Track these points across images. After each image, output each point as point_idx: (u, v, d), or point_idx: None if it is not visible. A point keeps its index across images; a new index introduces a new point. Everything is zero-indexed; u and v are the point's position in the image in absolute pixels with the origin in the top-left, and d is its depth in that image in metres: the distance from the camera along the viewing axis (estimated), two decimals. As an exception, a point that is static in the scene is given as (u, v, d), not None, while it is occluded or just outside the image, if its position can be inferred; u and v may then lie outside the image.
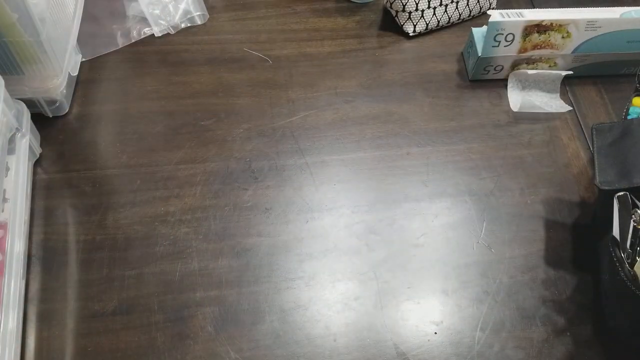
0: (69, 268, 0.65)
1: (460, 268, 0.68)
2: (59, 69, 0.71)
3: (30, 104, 0.70)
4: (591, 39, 0.80)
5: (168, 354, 0.60)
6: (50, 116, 0.76)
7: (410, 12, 0.87)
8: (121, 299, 0.63)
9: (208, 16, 0.89)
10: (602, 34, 0.79)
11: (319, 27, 0.90)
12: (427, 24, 0.89)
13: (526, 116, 0.82)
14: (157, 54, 0.85)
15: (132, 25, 0.86)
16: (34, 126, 0.71)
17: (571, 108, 0.83)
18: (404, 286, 0.66)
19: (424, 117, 0.80)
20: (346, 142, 0.77)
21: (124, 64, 0.83)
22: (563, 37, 0.80)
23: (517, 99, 0.83)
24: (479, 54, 0.80)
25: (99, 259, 0.65)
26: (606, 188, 0.61)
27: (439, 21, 0.89)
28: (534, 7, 0.95)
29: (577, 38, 0.80)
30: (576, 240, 0.71)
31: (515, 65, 0.83)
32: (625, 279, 0.57)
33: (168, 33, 0.87)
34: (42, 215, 0.68)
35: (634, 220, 0.57)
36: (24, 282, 0.62)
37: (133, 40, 0.85)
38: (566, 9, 0.79)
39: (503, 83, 0.85)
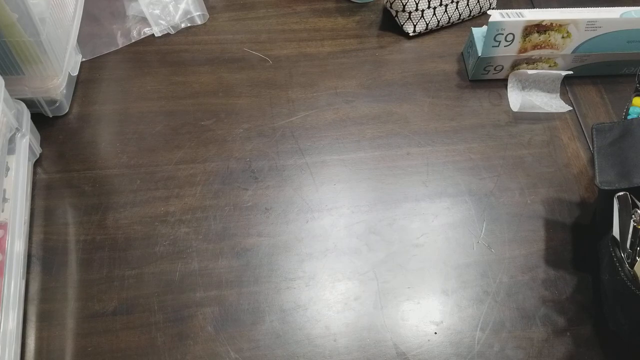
0: (69, 268, 0.65)
1: (460, 268, 0.68)
2: (59, 69, 0.71)
3: (30, 104, 0.70)
4: (591, 39, 0.80)
5: (168, 354, 0.60)
6: (50, 116, 0.76)
7: (410, 12, 0.87)
8: (121, 299, 0.63)
9: (208, 16, 0.89)
10: (602, 34, 0.79)
11: (319, 27, 0.90)
12: (427, 24, 0.89)
13: (526, 116, 0.82)
14: (157, 54, 0.85)
15: (132, 25, 0.86)
16: (34, 126, 0.71)
17: (571, 108, 0.83)
18: (404, 286, 0.66)
19: (424, 117, 0.80)
20: (346, 142, 0.77)
21: (124, 64, 0.83)
22: (563, 37, 0.80)
23: (517, 99, 0.83)
24: (479, 54, 0.80)
25: (99, 259, 0.65)
26: (606, 188, 0.61)
27: (439, 21, 0.89)
28: (534, 7, 0.95)
29: (577, 38, 0.80)
30: (576, 240, 0.71)
31: (515, 65, 0.83)
32: (625, 279, 0.57)
33: (168, 33, 0.87)
34: (42, 215, 0.68)
35: (634, 220, 0.57)
36: (24, 282, 0.62)
37: (133, 40, 0.85)
38: (566, 9, 0.79)
39: (503, 83, 0.85)
